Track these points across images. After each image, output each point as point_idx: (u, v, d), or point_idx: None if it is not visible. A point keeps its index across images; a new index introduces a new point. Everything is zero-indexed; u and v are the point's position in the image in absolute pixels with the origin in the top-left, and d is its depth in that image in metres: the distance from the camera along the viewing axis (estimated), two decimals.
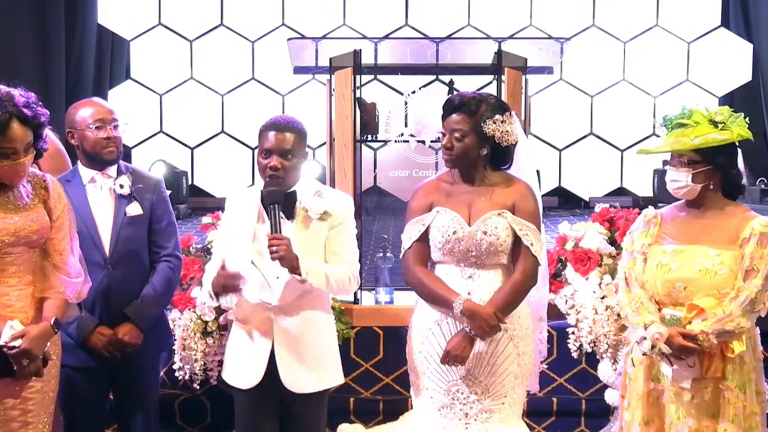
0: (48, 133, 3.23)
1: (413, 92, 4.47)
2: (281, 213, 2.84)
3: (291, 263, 2.79)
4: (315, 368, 2.97)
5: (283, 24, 9.15)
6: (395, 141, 4.46)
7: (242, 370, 2.98)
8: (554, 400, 4.15)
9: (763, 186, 7.95)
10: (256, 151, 3.01)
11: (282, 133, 2.89)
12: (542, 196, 3.11)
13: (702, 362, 2.89)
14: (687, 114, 2.96)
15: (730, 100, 9.23)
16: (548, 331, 3.48)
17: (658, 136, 3.17)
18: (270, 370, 2.92)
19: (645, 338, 2.87)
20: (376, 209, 5.77)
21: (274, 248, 2.76)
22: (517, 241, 2.91)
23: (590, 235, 4.02)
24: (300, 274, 2.80)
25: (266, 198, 2.85)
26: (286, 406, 3.00)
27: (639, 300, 2.97)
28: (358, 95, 4.29)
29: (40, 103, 2.70)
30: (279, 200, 2.84)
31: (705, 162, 2.92)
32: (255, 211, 2.94)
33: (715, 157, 2.92)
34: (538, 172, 3.55)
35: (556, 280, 4.00)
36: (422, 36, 8.49)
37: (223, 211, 3.15)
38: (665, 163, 3.08)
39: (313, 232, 2.93)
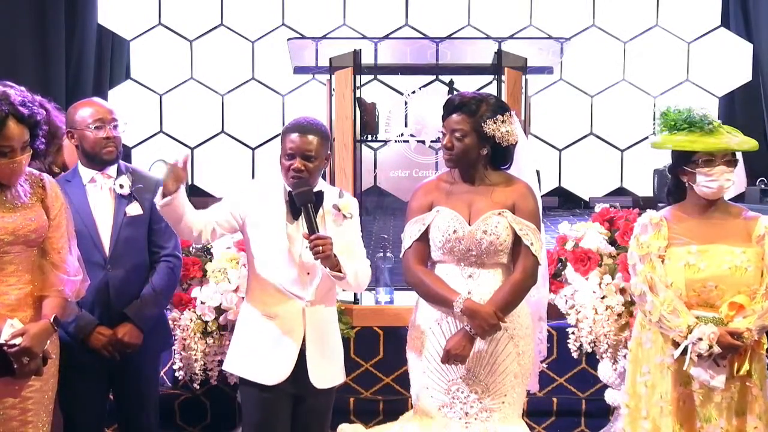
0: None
1: (413, 92, 4.48)
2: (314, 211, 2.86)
3: (332, 261, 2.82)
4: (334, 364, 3.05)
5: (283, 24, 9.15)
6: (395, 141, 4.46)
7: (268, 366, 2.95)
8: (554, 400, 4.15)
9: (763, 186, 7.95)
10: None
11: (305, 136, 2.90)
12: (542, 196, 3.12)
13: (732, 362, 2.91)
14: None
15: (730, 100, 9.23)
16: (548, 331, 3.48)
17: (656, 135, 3.17)
18: (297, 365, 2.94)
19: (701, 339, 2.87)
20: (376, 209, 5.78)
21: (320, 248, 2.78)
22: (517, 240, 2.91)
23: (590, 235, 4.01)
24: (341, 271, 2.83)
25: (298, 199, 2.86)
26: (301, 401, 3.00)
27: (672, 302, 2.96)
28: (358, 95, 4.29)
29: (36, 103, 2.69)
30: (311, 200, 2.86)
31: (736, 162, 3.02)
32: (282, 210, 2.94)
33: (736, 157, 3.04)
34: (537, 172, 3.56)
35: (556, 280, 4.00)
36: (422, 36, 8.49)
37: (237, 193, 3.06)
38: (703, 162, 2.99)
39: (340, 231, 2.96)
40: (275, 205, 2.96)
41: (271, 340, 2.95)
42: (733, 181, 2.99)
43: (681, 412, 3.02)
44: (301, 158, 2.89)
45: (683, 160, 3.03)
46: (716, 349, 2.86)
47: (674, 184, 3.12)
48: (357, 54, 4.27)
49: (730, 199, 3.11)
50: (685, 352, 2.93)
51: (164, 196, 2.74)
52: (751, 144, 3.02)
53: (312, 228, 2.82)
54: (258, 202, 2.98)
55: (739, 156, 3.09)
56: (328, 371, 3.01)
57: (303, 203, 2.85)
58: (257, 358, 2.97)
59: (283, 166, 2.94)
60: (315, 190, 2.93)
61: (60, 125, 2.88)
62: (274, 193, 2.98)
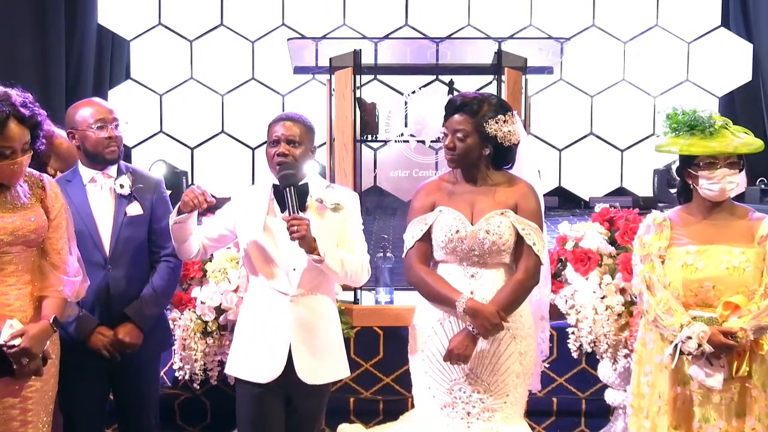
0: (59, 132, 3.26)
1: (413, 92, 4.48)
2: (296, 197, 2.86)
3: (309, 244, 2.82)
4: (326, 359, 3.02)
5: (283, 24, 9.15)
6: (395, 141, 4.46)
7: (259, 364, 2.96)
8: (554, 400, 4.15)
9: (763, 186, 7.97)
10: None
11: (289, 122, 2.97)
12: (542, 196, 3.12)
13: (731, 362, 2.91)
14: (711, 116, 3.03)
15: (730, 100, 9.24)
16: (549, 331, 3.48)
17: (659, 137, 3.17)
18: (287, 361, 2.94)
19: (690, 337, 2.87)
20: (376, 209, 5.77)
21: (295, 228, 2.78)
22: (519, 240, 2.91)
23: (590, 235, 4.01)
24: (318, 254, 2.83)
25: (281, 181, 2.88)
26: (292, 400, 3.01)
27: (667, 302, 2.96)
28: (358, 95, 4.29)
29: (37, 103, 2.70)
30: (294, 183, 2.88)
31: (742, 164, 3.00)
32: (265, 203, 2.97)
33: (744, 158, 3.02)
34: (539, 171, 3.56)
35: (556, 280, 3.99)
36: (422, 36, 8.49)
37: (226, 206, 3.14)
38: (705, 165, 2.99)
39: (327, 222, 2.97)
40: (260, 202, 2.99)
41: (261, 339, 2.97)
42: (736, 183, 2.98)
43: (679, 412, 3.01)
44: (286, 143, 2.94)
45: (687, 162, 3.03)
46: (707, 348, 2.85)
47: (682, 186, 3.11)
48: (357, 54, 4.27)
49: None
50: (677, 350, 2.93)
51: (179, 213, 2.87)
52: (756, 145, 2.99)
53: (291, 210, 2.83)
54: (244, 202, 3.02)
55: None
56: (319, 367, 2.99)
57: (285, 186, 2.86)
58: (250, 357, 2.99)
59: (268, 155, 2.98)
60: (302, 182, 2.96)
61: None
62: (259, 192, 3.02)
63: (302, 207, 2.92)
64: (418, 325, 3.02)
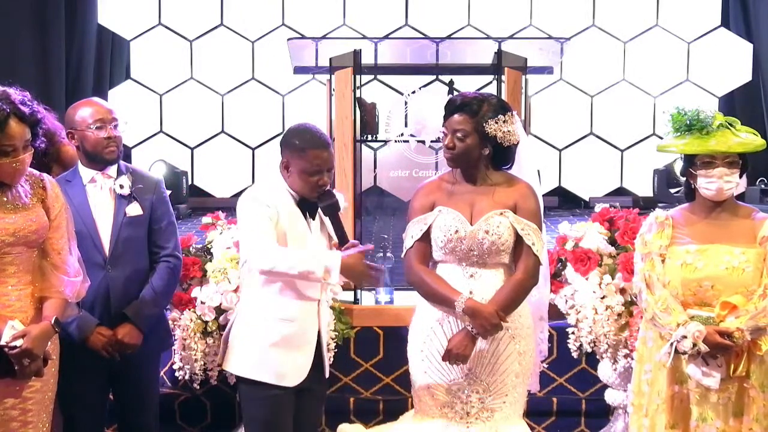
0: (67, 141, 3.26)
1: (413, 92, 4.47)
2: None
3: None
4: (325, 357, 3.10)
5: (283, 24, 9.16)
6: (395, 141, 4.45)
7: (289, 368, 2.93)
8: (554, 400, 4.15)
9: (763, 186, 7.97)
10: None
11: (328, 151, 2.93)
12: (542, 196, 3.12)
13: (729, 362, 2.91)
14: (714, 116, 3.02)
15: (730, 100, 9.24)
16: (548, 331, 3.48)
17: (660, 137, 3.17)
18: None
19: (685, 337, 2.87)
20: (376, 209, 5.77)
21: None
22: (518, 240, 2.91)
23: (590, 235, 4.01)
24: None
25: (327, 210, 2.92)
26: (301, 395, 3.00)
27: (665, 300, 2.96)
28: (358, 95, 4.29)
29: (36, 101, 2.71)
30: (339, 209, 2.95)
31: (742, 162, 3.00)
32: (298, 210, 2.95)
33: (746, 157, 3.01)
34: (538, 171, 3.56)
35: (556, 280, 3.99)
36: (422, 36, 8.50)
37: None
38: (702, 164, 2.99)
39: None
40: (290, 209, 2.93)
41: (289, 342, 2.92)
42: (735, 182, 2.98)
43: (676, 410, 3.01)
44: (327, 172, 2.93)
45: (688, 162, 3.05)
46: (702, 347, 2.85)
47: (686, 185, 3.12)
48: (357, 54, 4.26)
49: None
50: (673, 349, 2.93)
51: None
52: (753, 144, 2.99)
53: (343, 237, 2.90)
54: (276, 209, 2.93)
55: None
56: (327, 364, 3.11)
57: (331, 214, 2.92)
58: (275, 361, 2.92)
59: (305, 180, 2.89)
60: None
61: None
62: (284, 199, 2.94)
63: (314, 215, 2.98)
64: (417, 325, 3.03)
